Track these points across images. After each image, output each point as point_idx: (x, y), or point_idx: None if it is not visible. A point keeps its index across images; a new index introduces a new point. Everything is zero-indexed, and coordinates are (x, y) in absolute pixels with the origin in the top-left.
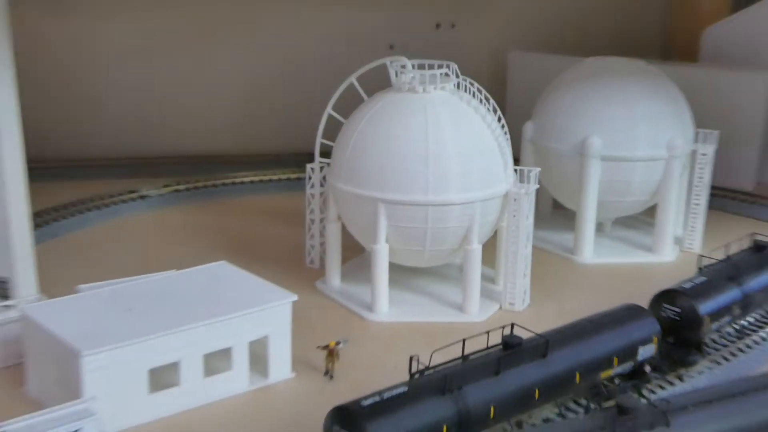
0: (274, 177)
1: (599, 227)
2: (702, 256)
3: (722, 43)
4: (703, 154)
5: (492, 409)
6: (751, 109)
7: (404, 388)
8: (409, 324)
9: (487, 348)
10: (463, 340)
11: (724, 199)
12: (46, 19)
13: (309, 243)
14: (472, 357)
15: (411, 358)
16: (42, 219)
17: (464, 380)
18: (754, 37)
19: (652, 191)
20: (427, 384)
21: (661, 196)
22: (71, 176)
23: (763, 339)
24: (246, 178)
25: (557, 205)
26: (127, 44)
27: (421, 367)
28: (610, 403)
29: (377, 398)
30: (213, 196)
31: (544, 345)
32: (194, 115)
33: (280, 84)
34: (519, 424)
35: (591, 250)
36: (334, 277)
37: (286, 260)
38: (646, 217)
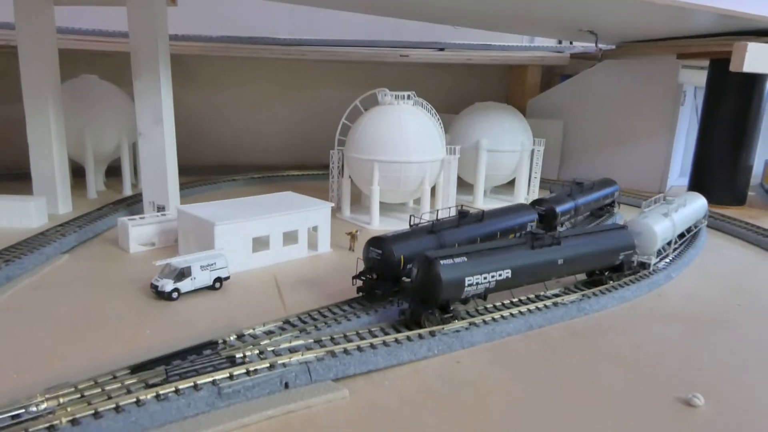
0: (306, 173)
1: (484, 191)
2: (552, 185)
3: (537, 107)
4: (539, 150)
5: (456, 245)
6: (554, 137)
7: (408, 230)
8: (390, 230)
9: (449, 216)
10: (437, 211)
11: (544, 182)
12: (183, 89)
13: (331, 192)
14: (442, 219)
15: (411, 216)
16: (182, 186)
17: (441, 227)
18: (552, 104)
19: (513, 169)
20: (421, 228)
21: (517, 172)
22: (197, 173)
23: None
24: (292, 172)
25: (462, 182)
26: (227, 102)
27: (415, 221)
28: None
29: (394, 234)
30: (274, 181)
31: (481, 215)
32: (263, 142)
33: (311, 123)
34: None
35: (481, 201)
36: (346, 210)
37: None
38: (508, 187)
